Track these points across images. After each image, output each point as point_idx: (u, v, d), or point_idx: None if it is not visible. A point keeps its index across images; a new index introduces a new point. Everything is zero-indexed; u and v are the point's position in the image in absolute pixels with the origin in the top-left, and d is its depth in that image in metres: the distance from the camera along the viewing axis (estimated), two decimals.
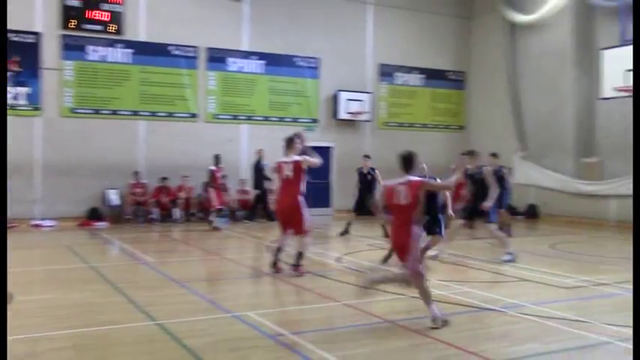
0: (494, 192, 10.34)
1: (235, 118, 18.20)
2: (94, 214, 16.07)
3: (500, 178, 12.35)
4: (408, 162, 6.30)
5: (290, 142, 8.84)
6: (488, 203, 10.21)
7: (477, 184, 10.70)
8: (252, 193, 17.35)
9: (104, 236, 13.79)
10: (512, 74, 19.73)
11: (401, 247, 6.23)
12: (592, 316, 6.66)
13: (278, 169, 8.86)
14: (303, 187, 8.73)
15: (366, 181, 13.81)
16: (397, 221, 6.26)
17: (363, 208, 13.04)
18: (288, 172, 8.69)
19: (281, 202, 8.84)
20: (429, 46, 21.02)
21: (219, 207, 15.39)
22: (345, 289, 7.98)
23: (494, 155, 13.05)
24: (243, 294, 8.16)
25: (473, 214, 10.70)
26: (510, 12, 19.47)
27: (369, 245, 12.31)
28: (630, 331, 6.01)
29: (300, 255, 8.72)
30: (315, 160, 8.77)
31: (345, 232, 13.82)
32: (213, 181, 15.42)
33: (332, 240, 14.08)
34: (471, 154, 10.98)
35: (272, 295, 8.18)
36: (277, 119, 18.67)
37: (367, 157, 14.30)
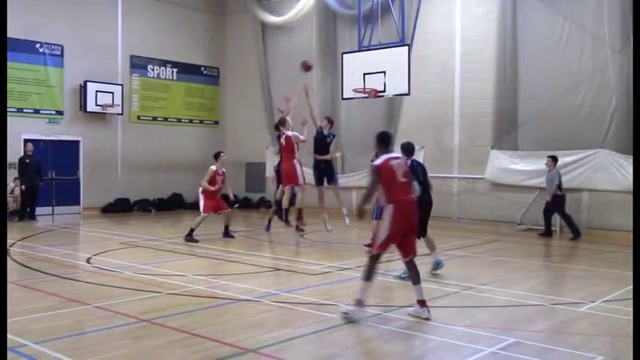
0: None
1: None
2: None
3: None
4: None
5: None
6: None
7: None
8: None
9: None
10: (263, 72, 20.44)
11: None
12: (337, 299, 7.22)
13: None
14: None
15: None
16: None
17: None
18: None
19: None
20: (183, 40, 20.80)
21: None
22: (97, 291, 7.58)
23: None
24: None
25: None
26: (261, 12, 20.13)
27: (122, 244, 11.82)
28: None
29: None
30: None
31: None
32: None
33: (82, 240, 13.40)
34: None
35: (11, 303, 7.40)
36: (15, 110, 16.87)
37: None
